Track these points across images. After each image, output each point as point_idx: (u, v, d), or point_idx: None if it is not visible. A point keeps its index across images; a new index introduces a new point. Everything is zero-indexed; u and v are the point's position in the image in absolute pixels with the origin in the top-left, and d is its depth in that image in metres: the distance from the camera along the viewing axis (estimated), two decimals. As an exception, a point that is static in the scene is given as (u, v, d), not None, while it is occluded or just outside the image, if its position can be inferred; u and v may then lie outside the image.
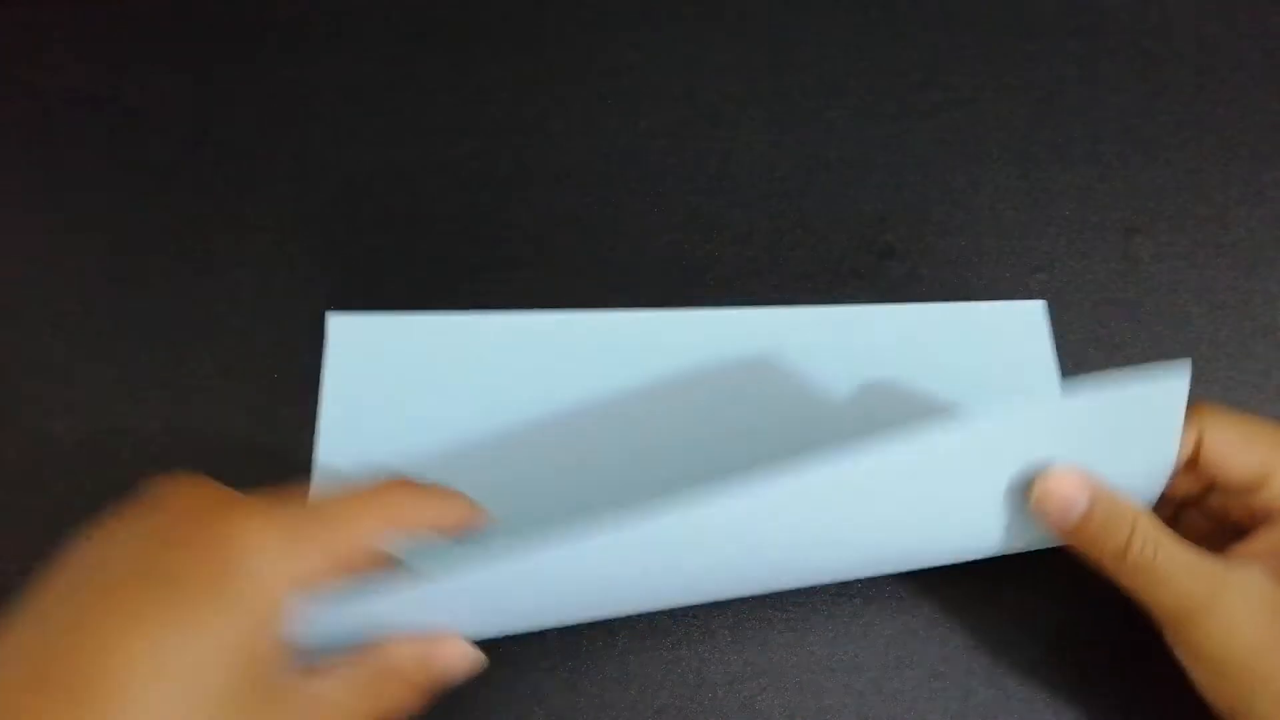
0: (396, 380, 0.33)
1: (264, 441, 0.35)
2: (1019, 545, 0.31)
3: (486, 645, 0.26)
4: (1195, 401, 0.26)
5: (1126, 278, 0.38)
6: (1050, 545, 0.31)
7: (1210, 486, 0.28)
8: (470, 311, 0.35)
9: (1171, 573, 0.25)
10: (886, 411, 0.34)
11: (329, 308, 0.37)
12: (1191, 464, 0.27)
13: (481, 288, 0.38)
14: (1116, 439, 0.27)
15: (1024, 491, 0.27)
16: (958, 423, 0.25)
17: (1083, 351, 0.37)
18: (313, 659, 0.24)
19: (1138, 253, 0.39)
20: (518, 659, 0.31)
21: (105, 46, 0.43)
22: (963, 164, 0.41)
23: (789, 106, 0.42)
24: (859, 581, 0.33)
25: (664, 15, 0.44)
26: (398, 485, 0.26)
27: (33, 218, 0.40)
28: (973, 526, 0.29)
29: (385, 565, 0.25)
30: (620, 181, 0.40)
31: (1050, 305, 0.37)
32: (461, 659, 0.25)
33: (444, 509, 0.26)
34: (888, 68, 0.43)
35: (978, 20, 0.44)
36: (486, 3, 0.44)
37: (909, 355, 0.35)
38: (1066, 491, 0.26)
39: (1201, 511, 0.30)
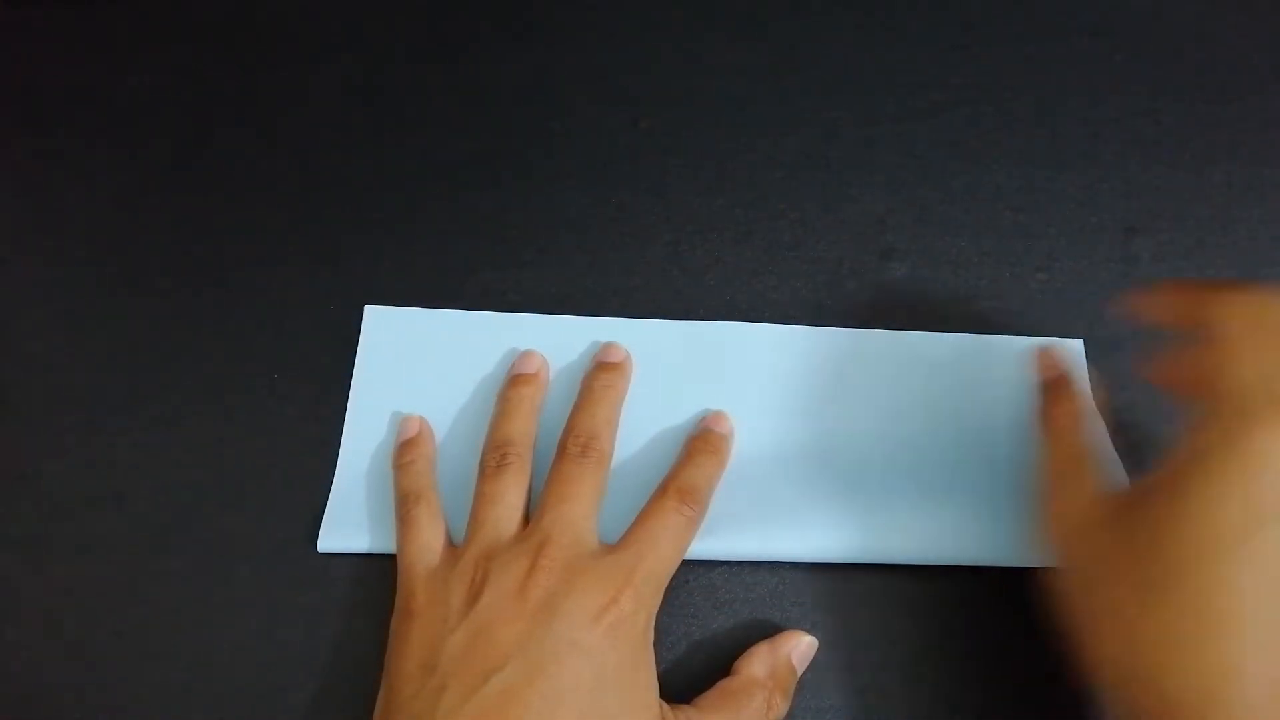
0: (418, 367, 0.36)
1: (264, 438, 0.35)
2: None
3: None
4: None
5: (1126, 278, 0.38)
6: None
7: None
8: (493, 312, 0.37)
9: (1069, 427, 0.31)
10: (915, 435, 0.34)
11: (329, 307, 0.37)
12: None
13: (481, 288, 0.38)
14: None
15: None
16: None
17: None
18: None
19: (1138, 253, 0.39)
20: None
21: (105, 46, 0.43)
22: (963, 164, 0.41)
23: (789, 106, 0.42)
24: (859, 581, 0.33)
25: (664, 15, 0.44)
26: None
27: (32, 217, 0.40)
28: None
29: None
30: (620, 181, 0.40)
31: (1051, 306, 0.37)
32: (809, 646, 0.31)
33: None
34: (888, 68, 0.43)
35: (978, 20, 0.44)
36: (487, 4, 0.44)
37: (944, 382, 0.36)
38: (1060, 355, 0.34)
39: None
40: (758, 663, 0.30)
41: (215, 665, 0.32)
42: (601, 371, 0.34)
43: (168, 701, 0.31)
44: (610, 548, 0.30)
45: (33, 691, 0.32)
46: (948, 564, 0.32)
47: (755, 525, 0.33)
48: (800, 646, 0.31)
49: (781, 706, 0.30)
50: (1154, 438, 0.35)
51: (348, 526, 0.33)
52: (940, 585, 0.33)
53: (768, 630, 0.32)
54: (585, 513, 0.30)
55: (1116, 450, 0.34)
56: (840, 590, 0.33)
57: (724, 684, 0.30)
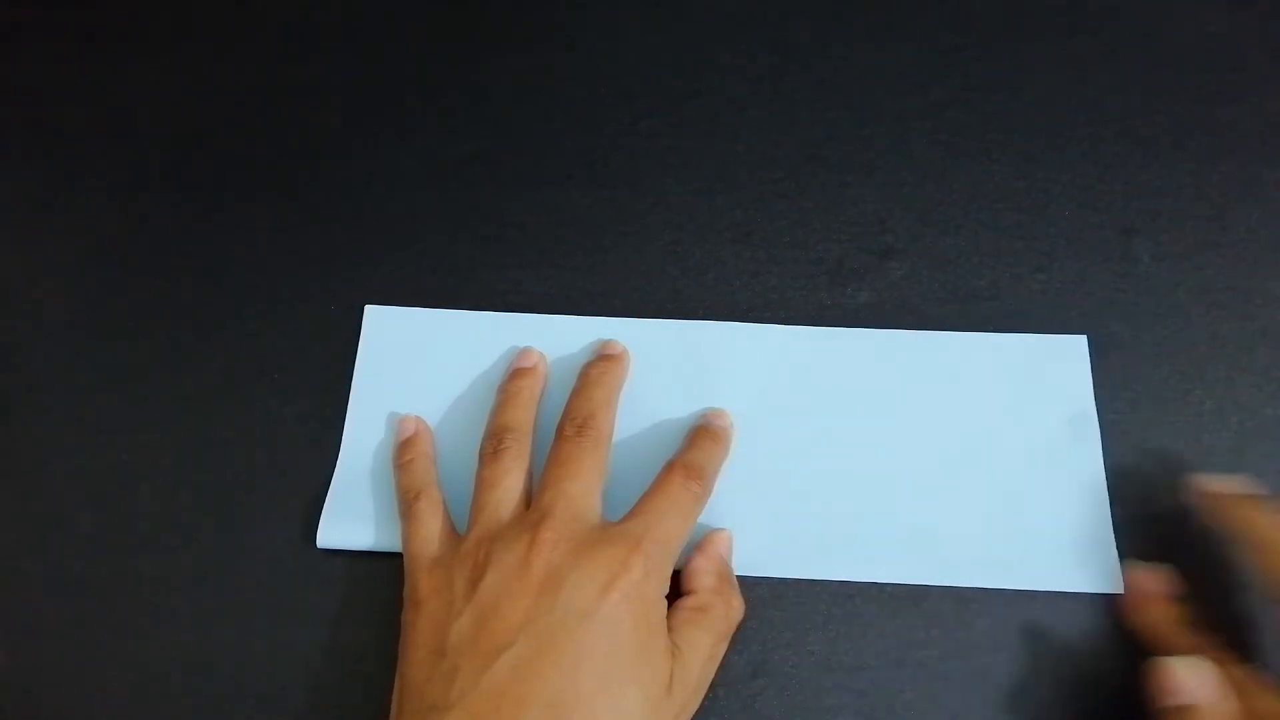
0: (419, 366, 0.36)
1: (264, 438, 0.35)
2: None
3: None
4: None
5: (1126, 278, 0.38)
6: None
7: None
8: (493, 312, 0.37)
9: None
10: (916, 435, 0.34)
11: (329, 307, 0.37)
12: None
13: (481, 288, 0.38)
14: (1033, 384, 0.35)
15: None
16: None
17: (1083, 351, 0.37)
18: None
19: (1138, 253, 0.39)
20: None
21: (105, 46, 0.43)
22: (963, 164, 0.41)
23: (788, 106, 0.42)
24: (859, 581, 0.33)
25: (665, 16, 0.44)
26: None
27: (32, 217, 0.40)
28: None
29: None
30: (620, 181, 0.40)
31: (1051, 306, 0.37)
32: (729, 539, 0.32)
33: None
34: (888, 68, 0.43)
35: (977, 20, 0.44)
36: (487, 3, 0.44)
37: (944, 381, 0.35)
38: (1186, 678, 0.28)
39: None
40: (704, 576, 0.31)
41: (215, 665, 0.32)
42: (598, 360, 0.35)
43: (168, 700, 0.31)
44: (615, 522, 0.30)
45: (33, 691, 0.32)
46: (945, 584, 0.32)
47: (751, 533, 0.33)
48: (725, 543, 0.32)
49: (738, 603, 0.31)
50: (1154, 437, 0.35)
51: (347, 522, 0.33)
52: (941, 584, 0.33)
53: (763, 630, 0.32)
54: (585, 489, 0.30)
55: (1117, 450, 0.34)
56: (840, 590, 0.33)
57: (684, 603, 0.30)
